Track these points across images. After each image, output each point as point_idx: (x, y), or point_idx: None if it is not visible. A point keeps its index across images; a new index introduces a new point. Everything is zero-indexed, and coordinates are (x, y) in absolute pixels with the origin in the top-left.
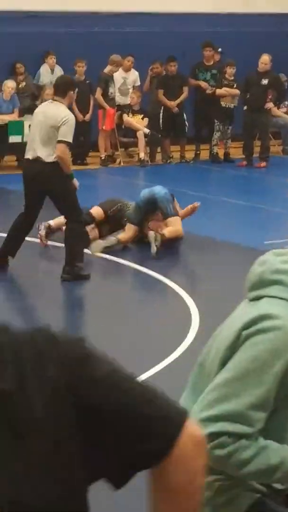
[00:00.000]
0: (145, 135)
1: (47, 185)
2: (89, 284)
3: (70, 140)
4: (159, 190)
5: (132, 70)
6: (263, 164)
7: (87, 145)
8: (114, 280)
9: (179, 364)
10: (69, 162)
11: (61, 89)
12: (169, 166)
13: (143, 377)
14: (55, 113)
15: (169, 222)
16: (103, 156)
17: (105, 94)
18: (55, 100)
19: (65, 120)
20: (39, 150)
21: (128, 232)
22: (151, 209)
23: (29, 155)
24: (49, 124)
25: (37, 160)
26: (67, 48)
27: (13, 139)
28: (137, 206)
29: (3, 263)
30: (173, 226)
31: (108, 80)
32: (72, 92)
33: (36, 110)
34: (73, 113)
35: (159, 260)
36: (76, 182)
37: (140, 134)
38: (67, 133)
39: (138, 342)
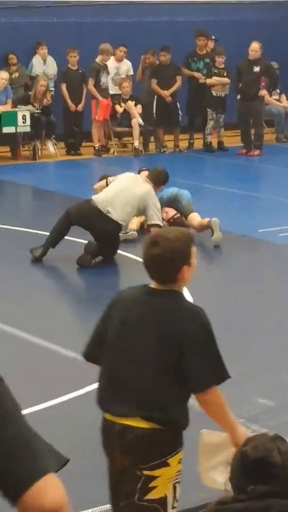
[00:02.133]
0: (139, 125)
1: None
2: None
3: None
4: (186, 193)
5: (125, 60)
6: (257, 152)
7: (80, 135)
8: (109, 269)
9: None
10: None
11: (156, 180)
12: (163, 156)
13: None
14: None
15: (191, 217)
16: (97, 146)
17: (97, 84)
18: (147, 182)
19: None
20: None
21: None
22: (169, 206)
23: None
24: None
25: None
26: (58, 38)
27: (7, 129)
28: (160, 200)
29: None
30: (194, 220)
31: (99, 70)
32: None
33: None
34: (66, 103)
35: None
36: None
37: (134, 123)
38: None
39: None
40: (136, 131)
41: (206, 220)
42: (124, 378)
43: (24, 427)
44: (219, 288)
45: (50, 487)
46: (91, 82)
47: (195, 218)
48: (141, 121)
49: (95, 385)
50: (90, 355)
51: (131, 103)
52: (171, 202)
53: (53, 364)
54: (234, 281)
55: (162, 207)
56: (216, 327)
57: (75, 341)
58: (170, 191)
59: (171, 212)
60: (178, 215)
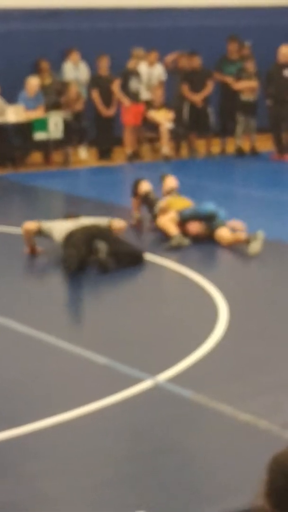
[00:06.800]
0: (170, 130)
1: None
2: (117, 278)
3: None
4: (222, 213)
5: (157, 64)
6: None
7: (112, 141)
8: (146, 275)
9: (208, 358)
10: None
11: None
12: (194, 161)
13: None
14: None
15: (221, 233)
16: (129, 152)
17: (126, 88)
18: None
19: None
20: None
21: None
22: (203, 220)
23: None
24: None
25: None
26: (90, 44)
27: (39, 135)
28: (196, 213)
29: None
30: (225, 236)
31: (128, 74)
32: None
33: None
34: (98, 108)
35: (189, 256)
36: None
37: (163, 129)
38: None
39: (163, 337)
40: (164, 137)
41: (243, 235)
42: None
43: None
44: (255, 295)
45: None
46: (116, 84)
47: (225, 233)
48: (169, 125)
49: (126, 392)
50: None
51: (156, 112)
52: (207, 219)
53: (83, 370)
54: (268, 288)
55: (193, 220)
56: (253, 336)
57: (102, 345)
58: (208, 208)
59: (197, 227)
60: (203, 232)
